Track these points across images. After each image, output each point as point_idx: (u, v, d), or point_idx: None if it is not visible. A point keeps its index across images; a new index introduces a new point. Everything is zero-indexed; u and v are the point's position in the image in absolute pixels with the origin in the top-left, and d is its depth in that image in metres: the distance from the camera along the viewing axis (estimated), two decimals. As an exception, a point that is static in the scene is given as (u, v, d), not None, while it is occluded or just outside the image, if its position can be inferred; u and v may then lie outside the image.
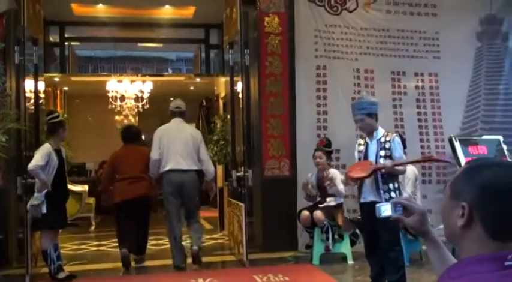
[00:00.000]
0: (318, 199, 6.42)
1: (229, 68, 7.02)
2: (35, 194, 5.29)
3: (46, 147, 5.40)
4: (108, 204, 6.62)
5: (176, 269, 6.05)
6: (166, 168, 6.00)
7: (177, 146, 6.00)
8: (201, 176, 6.18)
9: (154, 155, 6.04)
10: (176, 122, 6.24)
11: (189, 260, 6.25)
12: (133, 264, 6.35)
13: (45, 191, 5.27)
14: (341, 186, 6.26)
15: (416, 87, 7.46)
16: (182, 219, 6.20)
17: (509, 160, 4.93)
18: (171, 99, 14.21)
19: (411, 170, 6.23)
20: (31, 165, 5.25)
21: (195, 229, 6.21)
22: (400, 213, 1.62)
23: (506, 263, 1.18)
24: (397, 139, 4.80)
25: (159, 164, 6.03)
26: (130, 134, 6.65)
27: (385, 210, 1.69)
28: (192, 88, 12.79)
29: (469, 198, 1.23)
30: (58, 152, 5.53)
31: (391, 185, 4.72)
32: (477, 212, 1.22)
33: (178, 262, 6.04)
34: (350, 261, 6.33)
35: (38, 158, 5.27)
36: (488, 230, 1.21)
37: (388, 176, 4.72)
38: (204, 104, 13.95)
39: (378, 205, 1.75)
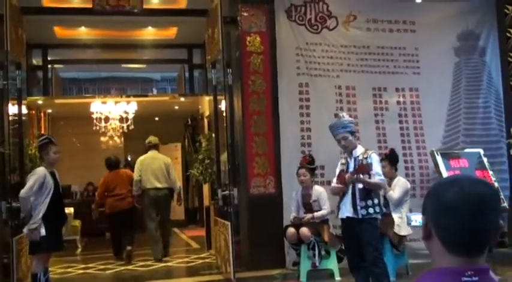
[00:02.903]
0: (303, 216, 6.45)
1: (212, 88, 7.07)
2: (32, 218, 5.24)
3: (41, 171, 5.37)
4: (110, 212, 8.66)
5: (155, 260, 8.18)
6: (146, 187, 8.27)
7: (153, 170, 8.28)
8: (172, 191, 8.51)
9: (135, 176, 8.38)
10: (151, 153, 8.55)
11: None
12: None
13: (41, 214, 5.24)
14: (326, 207, 6.34)
15: (398, 102, 7.57)
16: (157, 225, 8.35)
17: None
18: (156, 119, 14.37)
19: (405, 188, 6.30)
20: (23, 193, 5.20)
21: (165, 238, 8.48)
22: None
23: (464, 279, 1.20)
24: (374, 156, 4.90)
25: (139, 184, 8.28)
26: (111, 163, 8.94)
27: (415, 220, 1.71)
28: (176, 108, 12.84)
29: (427, 213, 1.28)
30: (52, 174, 5.51)
31: (369, 201, 4.78)
32: (432, 226, 1.26)
33: (156, 255, 8.27)
34: (337, 278, 6.34)
35: (31, 185, 5.23)
36: (444, 243, 1.24)
37: (367, 192, 4.79)
38: (189, 123, 13.98)
39: (408, 214, 1.83)
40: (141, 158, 8.51)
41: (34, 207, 5.27)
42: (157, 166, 8.32)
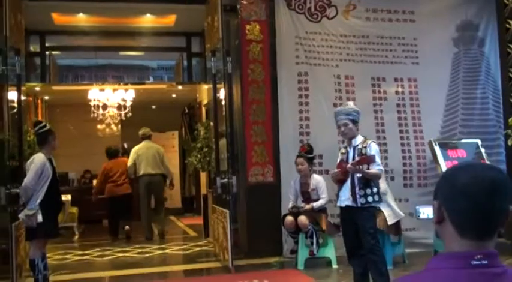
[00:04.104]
0: (302, 205, 6.49)
1: (211, 76, 7.06)
2: (29, 205, 5.24)
3: (40, 158, 5.36)
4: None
5: (147, 240, 9.10)
6: (141, 173, 9.21)
7: (147, 158, 9.23)
8: (165, 177, 9.50)
9: (130, 163, 9.37)
10: (145, 143, 9.44)
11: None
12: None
13: (39, 200, 5.24)
14: (324, 195, 6.38)
15: (396, 92, 7.58)
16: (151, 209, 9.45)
17: (486, 163, 5.07)
18: (153, 107, 14.33)
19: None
20: (29, 183, 5.19)
21: (159, 221, 9.41)
22: None
23: (473, 262, 1.24)
24: (373, 145, 4.91)
25: (134, 169, 9.25)
26: (111, 152, 9.85)
27: (423, 212, 1.75)
28: (174, 96, 12.81)
29: (440, 198, 1.32)
30: (50, 161, 5.51)
31: (368, 190, 4.81)
32: (445, 210, 1.30)
33: (148, 236, 9.22)
34: (335, 265, 6.41)
35: (36, 173, 5.23)
36: (456, 228, 1.28)
37: (366, 181, 4.81)
38: (187, 111, 13.96)
39: (417, 207, 1.85)
40: (136, 147, 9.44)
41: (32, 193, 5.28)
42: (151, 154, 9.26)
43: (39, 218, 5.21)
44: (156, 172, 9.25)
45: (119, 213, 9.41)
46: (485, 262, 1.24)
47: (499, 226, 1.28)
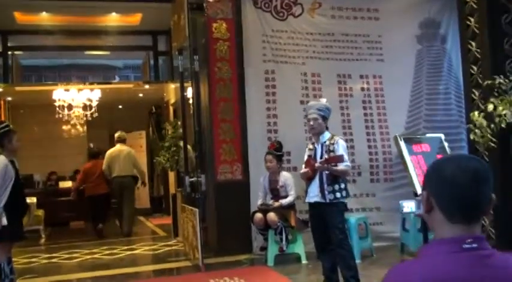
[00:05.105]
0: (271, 201, 6.53)
1: (178, 74, 7.04)
2: None
3: (1, 161, 5.24)
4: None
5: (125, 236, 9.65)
6: (114, 175, 9.72)
7: (119, 161, 9.72)
8: (136, 178, 10.01)
9: (104, 165, 9.82)
10: (118, 146, 9.90)
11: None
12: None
13: (3, 203, 5.13)
14: (292, 192, 6.45)
15: (362, 89, 7.68)
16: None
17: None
18: (120, 107, 14.18)
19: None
20: None
21: (128, 216, 9.88)
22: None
23: (464, 246, 1.34)
24: (341, 142, 4.98)
25: (108, 172, 9.74)
26: (92, 153, 10.49)
27: (407, 206, 1.84)
28: (141, 95, 12.72)
29: (428, 188, 1.43)
30: (12, 163, 5.39)
31: (336, 186, 4.87)
32: (434, 198, 1.41)
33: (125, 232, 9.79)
34: (304, 261, 6.47)
35: (1, 175, 5.12)
36: (445, 214, 1.39)
37: (334, 177, 4.88)
38: (154, 111, 13.87)
39: (400, 201, 1.94)
40: (110, 150, 9.96)
41: None
42: (122, 157, 9.76)
43: (4, 221, 5.10)
44: (126, 174, 9.74)
45: (95, 212, 9.90)
46: (475, 245, 1.34)
47: (484, 210, 1.39)
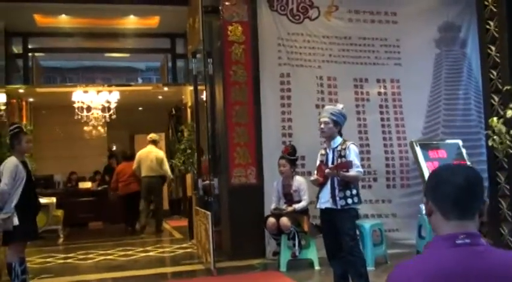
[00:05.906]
0: (284, 206, 6.48)
1: (193, 77, 7.04)
2: (4, 208, 5.19)
3: (12, 161, 5.31)
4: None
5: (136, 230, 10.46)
6: (142, 175, 10.28)
7: (147, 162, 10.25)
8: (164, 178, 10.60)
9: (134, 166, 10.43)
10: (148, 148, 10.44)
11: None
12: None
13: (14, 203, 5.20)
14: (306, 197, 6.39)
15: (379, 93, 7.58)
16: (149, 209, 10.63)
17: (465, 164, 5.14)
18: (140, 108, 14.28)
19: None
20: (7, 187, 5.15)
21: (157, 214, 10.61)
22: None
23: (457, 241, 1.46)
24: (352, 147, 4.90)
25: (138, 172, 10.35)
26: (125, 156, 11.37)
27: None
28: (160, 97, 12.78)
29: (427, 193, 1.59)
30: (24, 163, 5.46)
31: (347, 192, 4.81)
32: (432, 202, 1.55)
33: (139, 224, 10.47)
34: (317, 267, 6.40)
35: (9, 178, 5.17)
36: (441, 212, 1.53)
37: (346, 183, 4.81)
38: (174, 113, 13.92)
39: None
40: (140, 152, 10.65)
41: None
42: (150, 158, 10.25)
43: (15, 221, 5.16)
44: (153, 174, 10.24)
45: (129, 211, 10.65)
46: (468, 241, 1.46)
47: (476, 208, 1.53)
